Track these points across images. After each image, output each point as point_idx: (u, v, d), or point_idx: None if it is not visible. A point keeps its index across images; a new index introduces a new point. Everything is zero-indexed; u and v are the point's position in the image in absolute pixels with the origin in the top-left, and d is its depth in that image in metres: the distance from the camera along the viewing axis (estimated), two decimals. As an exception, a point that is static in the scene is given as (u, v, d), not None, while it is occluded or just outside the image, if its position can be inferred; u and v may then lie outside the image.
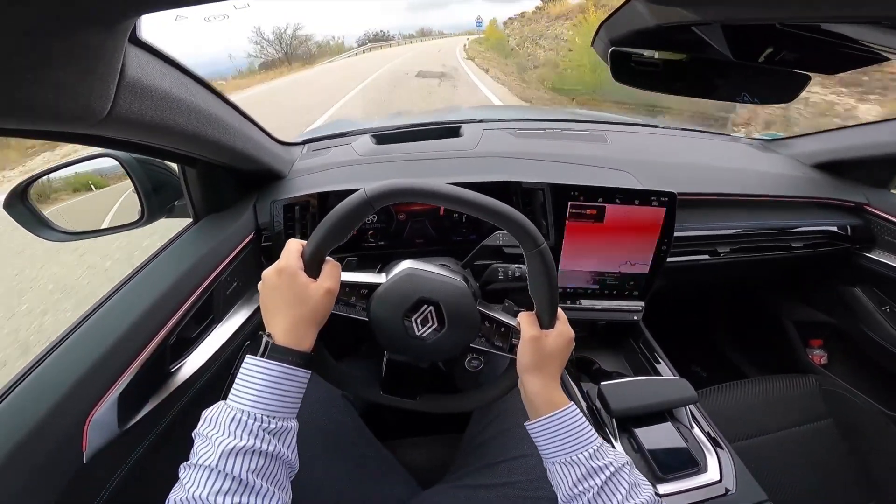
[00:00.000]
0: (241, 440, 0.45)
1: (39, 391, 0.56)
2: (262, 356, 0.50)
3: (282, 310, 0.53)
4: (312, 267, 0.55)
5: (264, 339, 0.52)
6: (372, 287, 0.63)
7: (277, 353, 0.50)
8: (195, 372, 0.75)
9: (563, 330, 0.61)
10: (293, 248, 0.56)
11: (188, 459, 0.46)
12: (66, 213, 0.89)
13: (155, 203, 0.87)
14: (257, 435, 0.46)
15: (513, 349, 0.63)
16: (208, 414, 0.49)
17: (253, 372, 0.49)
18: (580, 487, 0.52)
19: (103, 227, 0.90)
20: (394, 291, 0.61)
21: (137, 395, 0.66)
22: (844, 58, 0.55)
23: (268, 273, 0.55)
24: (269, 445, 0.46)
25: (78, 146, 0.60)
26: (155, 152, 0.69)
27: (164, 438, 0.69)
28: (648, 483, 0.54)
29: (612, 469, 0.52)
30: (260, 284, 0.55)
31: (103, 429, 0.59)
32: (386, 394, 0.67)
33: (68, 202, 0.95)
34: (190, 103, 0.60)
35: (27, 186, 0.79)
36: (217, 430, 0.46)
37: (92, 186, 1.05)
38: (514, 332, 0.63)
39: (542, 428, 0.56)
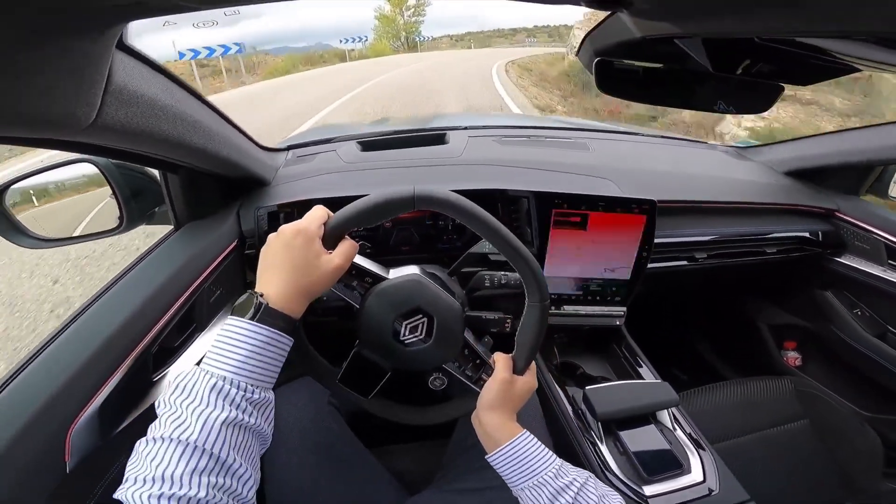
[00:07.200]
0: (224, 411, 0.40)
1: (20, 401, 0.55)
2: (253, 318, 0.45)
3: (285, 271, 0.49)
4: (330, 239, 0.53)
5: (256, 300, 0.46)
6: (377, 279, 0.62)
7: (269, 317, 0.46)
8: None
9: (530, 380, 0.64)
10: (317, 215, 0.53)
11: None
12: (42, 218, 0.87)
13: (135, 209, 0.85)
14: (240, 406, 0.41)
15: (478, 382, 0.65)
16: (180, 381, 0.43)
17: (239, 335, 0.44)
18: None
19: (80, 233, 0.88)
20: (396, 291, 0.62)
21: (121, 404, 0.64)
22: (817, 69, 0.58)
23: (285, 229, 0.51)
24: (251, 418, 0.43)
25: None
26: (138, 158, 0.68)
27: None
28: (616, 492, 0.56)
29: (578, 484, 0.53)
30: (271, 236, 0.52)
31: (86, 438, 0.58)
32: (341, 383, 0.65)
33: (43, 207, 0.92)
34: (176, 110, 0.59)
35: (1, 192, 0.77)
36: (194, 400, 0.41)
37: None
38: (485, 369, 0.65)
39: (506, 455, 0.57)
